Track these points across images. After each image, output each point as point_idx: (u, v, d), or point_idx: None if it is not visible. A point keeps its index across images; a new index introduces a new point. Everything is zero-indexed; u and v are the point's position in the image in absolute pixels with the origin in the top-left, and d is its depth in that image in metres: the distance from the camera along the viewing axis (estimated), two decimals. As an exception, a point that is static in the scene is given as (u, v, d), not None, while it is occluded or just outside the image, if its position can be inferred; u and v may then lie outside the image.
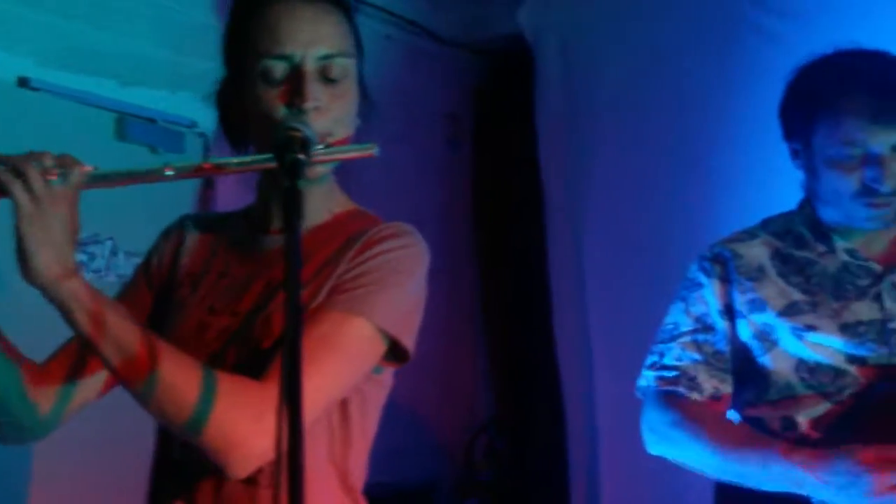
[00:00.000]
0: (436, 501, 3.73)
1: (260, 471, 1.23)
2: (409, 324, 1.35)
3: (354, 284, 1.28)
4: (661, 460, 3.43)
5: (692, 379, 1.74)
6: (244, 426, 1.17)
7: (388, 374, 1.41)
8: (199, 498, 1.30)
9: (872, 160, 1.61)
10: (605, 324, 3.58)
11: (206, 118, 2.67)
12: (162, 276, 1.46)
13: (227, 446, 1.17)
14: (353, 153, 1.27)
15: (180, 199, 2.62)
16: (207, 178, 2.71)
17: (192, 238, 1.47)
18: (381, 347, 1.31)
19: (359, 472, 1.40)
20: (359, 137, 1.36)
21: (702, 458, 1.70)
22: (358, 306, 1.27)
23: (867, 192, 1.63)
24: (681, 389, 1.74)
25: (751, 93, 3.31)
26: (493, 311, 3.91)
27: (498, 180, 3.88)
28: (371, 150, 1.19)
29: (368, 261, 1.30)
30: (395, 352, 1.33)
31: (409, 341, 1.34)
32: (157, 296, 1.46)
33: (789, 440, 1.66)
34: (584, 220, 3.69)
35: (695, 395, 1.73)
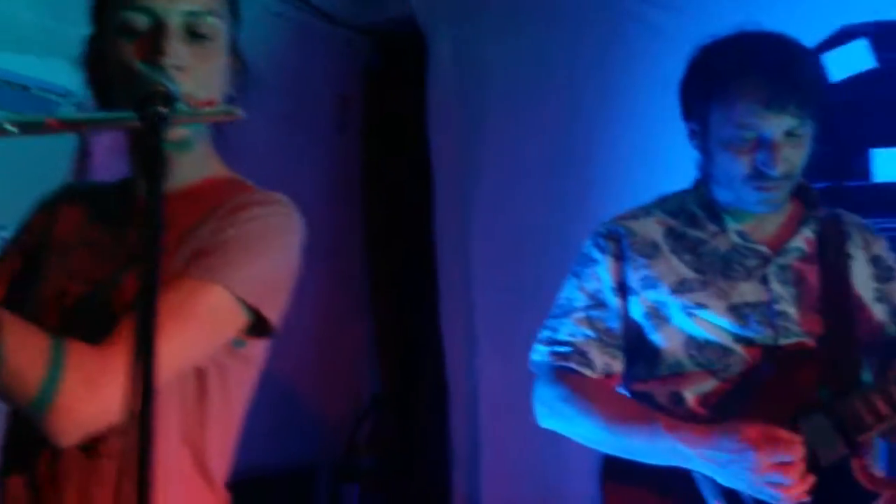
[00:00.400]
0: (316, 485, 3.69)
1: (101, 440, 1.18)
2: (274, 295, 1.29)
3: (215, 251, 1.23)
4: (542, 440, 3.51)
5: (584, 355, 1.74)
6: (75, 392, 1.10)
7: (254, 349, 1.34)
8: (38, 471, 1.24)
9: (765, 144, 1.62)
10: (490, 304, 3.62)
11: (83, 86, 2.57)
12: (32, 245, 1.40)
13: (55, 413, 1.10)
14: (218, 115, 1.22)
15: (54, 169, 2.52)
16: (83, 148, 2.61)
17: (67, 207, 1.41)
18: (240, 318, 1.25)
19: (220, 457, 1.33)
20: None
21: (591, 433, 1.72)
22: (217, 274, 1.21)
23: (758, 175, 1.64)
24: (573, 365, 1.74)
25: (632, 82, 3.39)
26: (381, 291, 3.89)
27: (388, 162, 3.86)
28: (236, 113, 1.13)
29: (233, 227, 1.25)
30: (260, 326, 1.28)
31: (272, 313, 1.28)
32: (26, 264, 1.39)
33: (677, 416, 1.67)
34: (472, 203, 3.71)
35: (587, 372, 1.74)
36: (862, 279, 1.74)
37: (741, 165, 1.64)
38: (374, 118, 3.84)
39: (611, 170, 3.25)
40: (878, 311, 1.73)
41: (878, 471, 1.68)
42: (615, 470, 1.75)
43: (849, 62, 3.10)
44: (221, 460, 1.33)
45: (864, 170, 3.07)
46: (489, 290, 3.64)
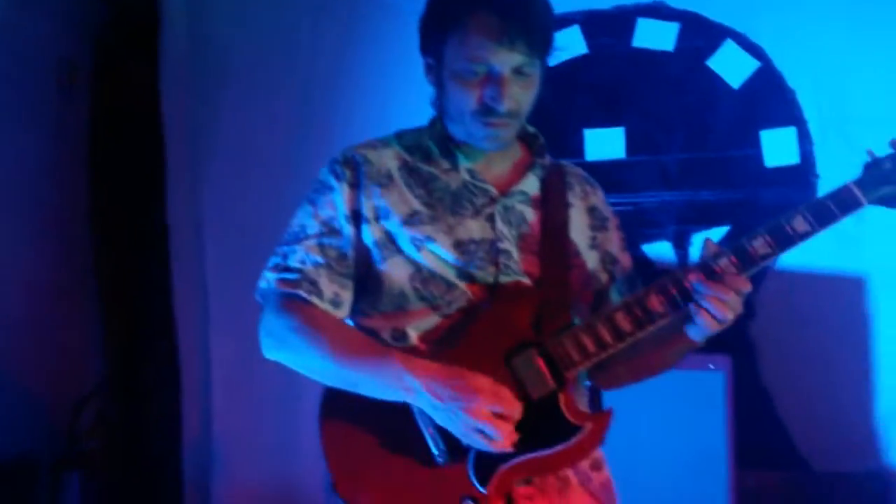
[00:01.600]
0: (37, 477, 3.43)
1: None
2: None
3: None
4: (276, 422, 3.47)
5: (314, 283, 1.70)
6: None
7: None
8: None
9: (493, 79, 1.63)
10: (225, 283, 3.53)
11: None
12: None
13: None
14: None
15: None
16: None
17: None
18: None
19: None
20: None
21: (319, 364, 1.68)
22: None
23: (486, 110, 1.65)
24: (301, 293, 1.69)
25: (376, 64, 3.46)
26: (108, 270, 3.67)
27: (119, 136, 3.68)
28: None
29: None
30: None
31: None
32: None
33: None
34: (207, 181, 3.61)
35: (315, 300, 1.69)
36: (579, 228, 1.81)
37: (471, 99, 1.66)
38: (104, 89, 3.65)
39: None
40: (591, 259, 1.81)
41: (583, 405, 1.77)
42: (335, 404, 1.71)
43: (562, 47, 3.32)
44: None
45: (577, 149, 3.31)
46: (224, 269, 3.56)
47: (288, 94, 3.54)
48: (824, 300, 3.11)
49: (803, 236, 1.60)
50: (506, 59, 1.63)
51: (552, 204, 1.78)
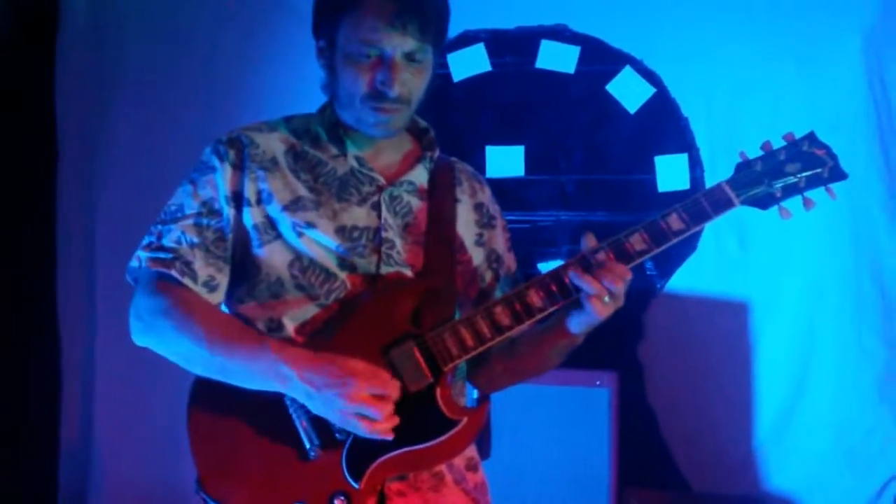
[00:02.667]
0: None
1: None
2: None
3: None
4: (159, 428, 3.36)
5: (188, 264, 1.63)
6: None
7: None
8: None
9: (385, 63, 1.62)
10: (113, 284, 3.42)
11: None
12: None
13: None
14: None
15: None
16: None
17: None
18: None
19: None
20: None
21: (189, 350, 1.60)
22: None
23: (376, 95, 1.63)
24: (174, 273, 1.62)
25: (278, 66, 3.42)
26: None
27: (6, 129, 3.54)
28: None
29: None
30: None
31: None
32: None
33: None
34: (99, 178, 3.50)
35: (188, 281, 1.63)
36: (465, 223, 1.79)
37: (362, 83, 1.64)
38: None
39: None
40: (476, 255, 1.79)
41: (461, 399, 1.75)
42: (204, 394, 1.64)
43: (467, 64, 3.35)
44: None
45: (479, 166, 3.32)
46: (116, 276, 3.44)
47: (188, 94, 3.47)
48: (710, 324, 3.17)
49: (678, 233, 1.61)
50: (398, 44, 1.62)
51: (440, 197, 1.76)
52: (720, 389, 3.16)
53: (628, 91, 3.24)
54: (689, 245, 3.19)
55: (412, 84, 1.66)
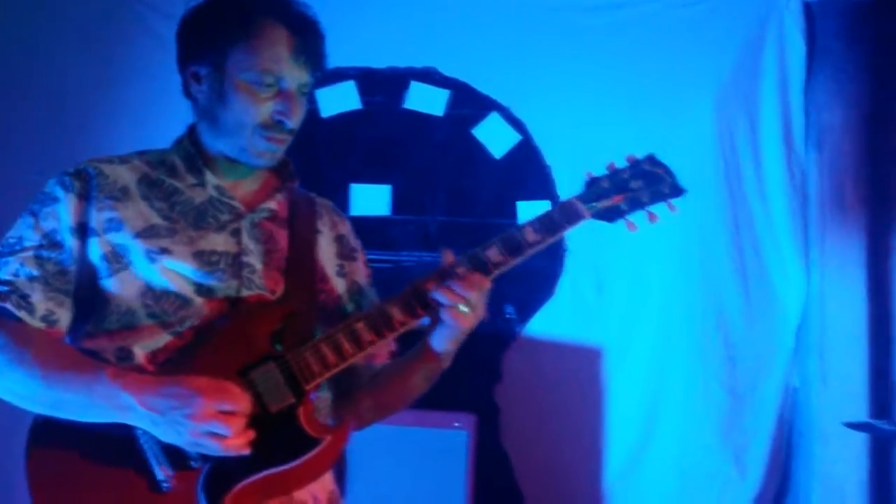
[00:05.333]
0: None
1: None
2: None
3: None
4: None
5: (25, 297, 1.54)
6: None
7: None
8: None
9: (284, 94, 1.61)
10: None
11: None
12: None
13: None
14: None
15: None
16: None
17: None
18: None
19: None
20: None
21: (23, 387, 1.49)
22: None
23: (272, 125, 1.61)
24: (9, 306, 1.52)
25: (135, 89, 3.30)
26: None
27: None
28: None
29: None
30: None
31: None
32: None
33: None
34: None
35: (24, 315, 1.53)
36: (327, 254, 1.78)
37: (256, 112, 1.61)
38: None
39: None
40: (339, 285, 1.78)
41: (323, 418, 1.71)
42: (45, 433, 1.52)
43: (337, 101, 3.32)
44: None
45: (343, 203, 3.28)
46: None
47: (40, 102, 3.32)
48: (565, 368, 3.19)
49: (533, 245, 1.65)
50: (296, 76, 1.62)
51: (300, 225, 1.74)
52: (573, 432, 3.19)
53: (494, 136, 3.27)
54: (546, 290, 3.23)
55: (300, 116, 1.66)
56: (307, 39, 1.62)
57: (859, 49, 3.15)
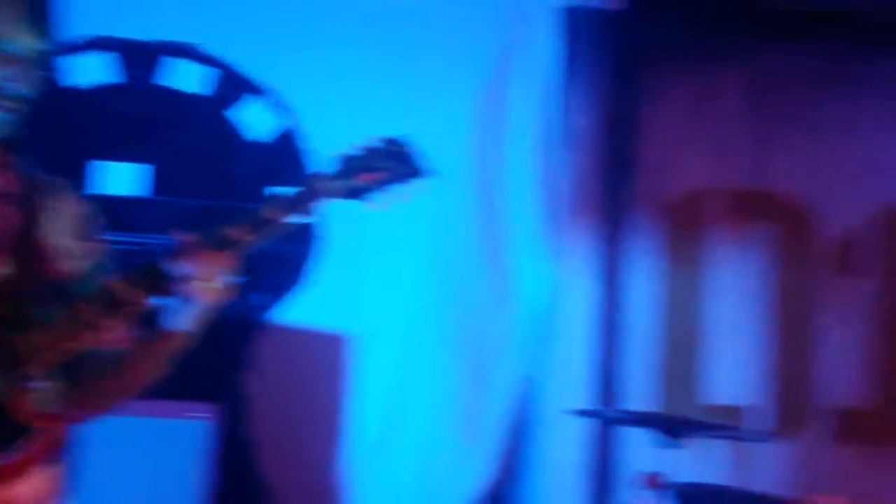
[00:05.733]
0: None
1: None
2: None
3: None
4: None
5: None
6: None
7: None
8: None
9: (8, 58, 1.54)
10: None
11: None
12: None
13: None
14: None
15: None
16: None
17: None
18: None
19: None
20: None
21: None
22: None
23: None
24: None
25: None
26: None
27: None
28: None
29: None
30: None
31: None
32: None
33: None
34: None
35: None
36: (57, 233, 1.70)
37: None
38: None
39: None
40: (69, 265, 1.69)
41: (46, 406, 1.61)
42: None
43: (85, 71, 3.12)
44: None
45: (86, 181, 3.09)
46: None
47: None
48: (312, 356, 3.18)
49: (272, 221, 1.62)
50: (25, 41, 1.54)
51: (29, 203, 1.65)
52: (320, 421, 3.20)
53: (259, 120, 3.20)
54: (295, 276, 3.21)
55: (32, 85, 1.58)
56: (38, 3, 1.56)
57: (609, 56, 3.35)
